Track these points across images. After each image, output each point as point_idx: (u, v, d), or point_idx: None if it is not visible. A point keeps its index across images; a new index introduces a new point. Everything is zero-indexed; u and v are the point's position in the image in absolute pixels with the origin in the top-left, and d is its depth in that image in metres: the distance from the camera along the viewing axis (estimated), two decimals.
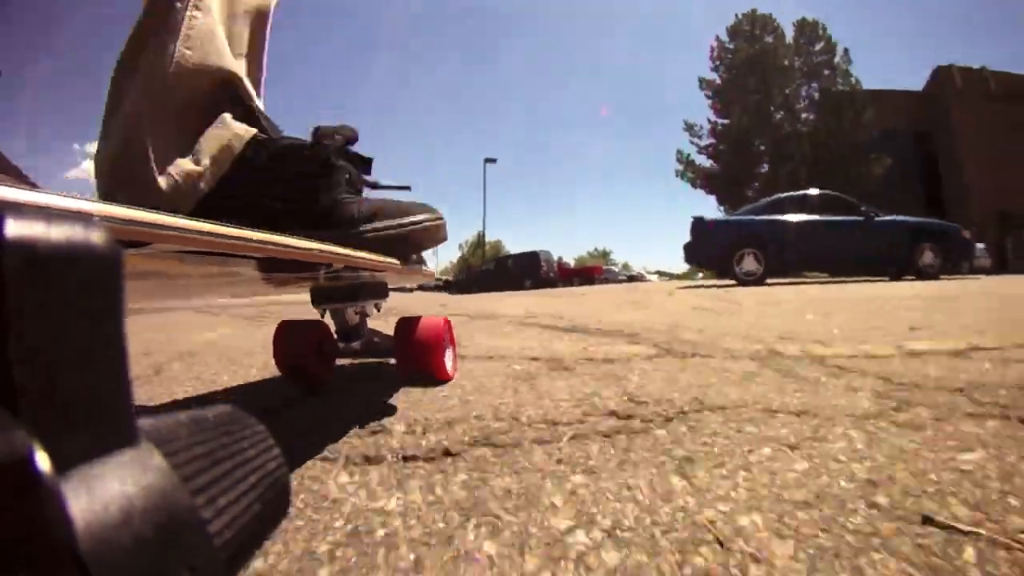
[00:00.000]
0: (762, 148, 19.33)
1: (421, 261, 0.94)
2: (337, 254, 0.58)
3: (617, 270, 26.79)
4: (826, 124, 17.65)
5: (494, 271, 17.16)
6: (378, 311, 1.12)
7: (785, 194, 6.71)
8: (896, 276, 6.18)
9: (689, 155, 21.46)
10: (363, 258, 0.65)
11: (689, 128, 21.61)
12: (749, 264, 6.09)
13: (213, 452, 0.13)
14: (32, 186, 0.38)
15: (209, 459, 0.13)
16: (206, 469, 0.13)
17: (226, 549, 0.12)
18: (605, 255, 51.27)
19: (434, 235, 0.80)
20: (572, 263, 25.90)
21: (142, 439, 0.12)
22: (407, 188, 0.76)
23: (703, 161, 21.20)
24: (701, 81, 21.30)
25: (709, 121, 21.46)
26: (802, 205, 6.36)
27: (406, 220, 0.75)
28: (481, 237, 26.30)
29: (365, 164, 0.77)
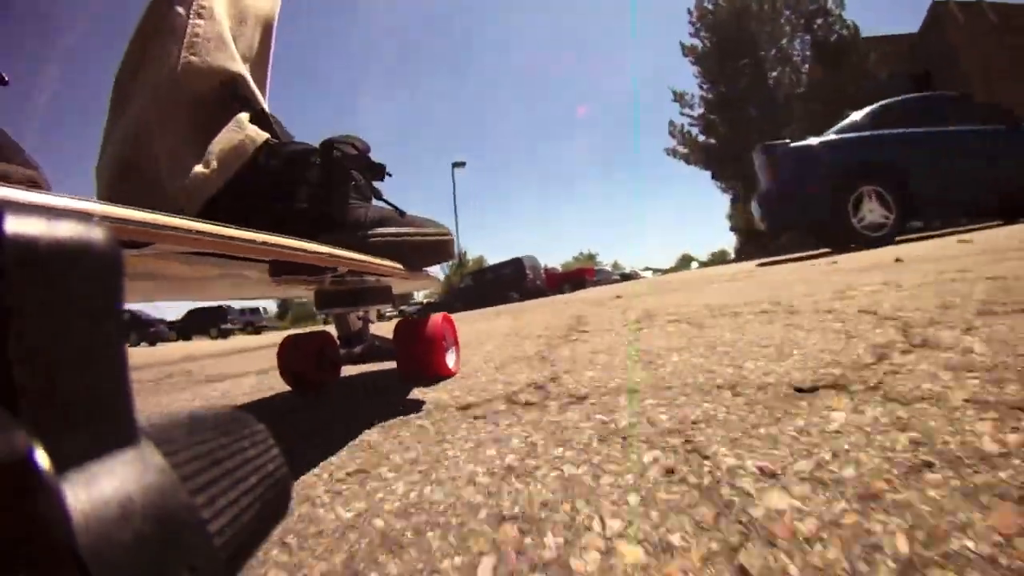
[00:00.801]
0: (757, 114, 17.57)
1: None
2: (342, 257, 0.58)
3: (610, 270, 25.67)
4: (822, 79, 16.02)
5: (474, 286, 14.93)
6: (382, 315, 1.12)
7: (896, 99, 4.16)
8: (1015, 215, 4.03)
9: (683, 126, 19.20)
10: (367, 262, 0.65)
11: (679, 98, 19.32)
12: (872, 211, 3.59)
13: (213, 452, 0.13)
14: (36, 171, 0.39)
15: (209, 459, 0.13)
16: (206, 469, 0.13)
17: (226, 549, 0.12)
18: (591, 258, 50.79)
19: (440, 249, 0.80)
20: (559, 268, 23.39)
21: (142, 439, 0.12)
22: (401, 212, 0.76)
23: (696, 133, 19.10)
24: (683, 47, 19.07)
25: (700, 87, 19.21)
26: (924, 115, 3.91)
27: (411, 230, 0.75)
28: (461, 254, 25.57)
29: (376, 173, 0.77)
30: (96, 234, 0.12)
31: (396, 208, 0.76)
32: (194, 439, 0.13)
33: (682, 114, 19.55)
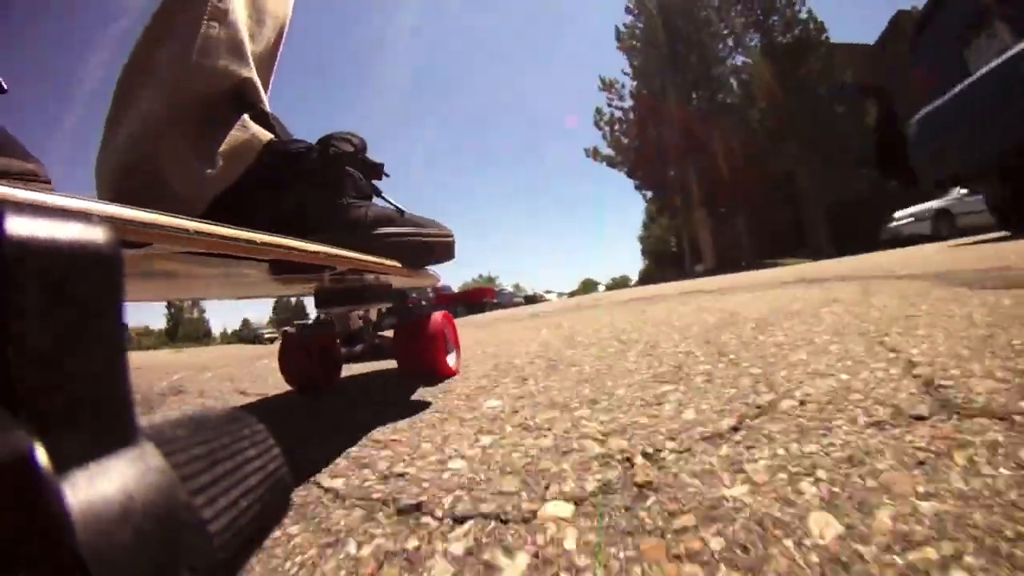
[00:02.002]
0: (698, 111, 14.64)
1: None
2: (341, 257, 0.58)
3: (511, 291, 23.07)
4: (776, 80, 13.75)
5: None
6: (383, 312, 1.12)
7: None
8: None
9: (611, 115, 15.60)
10: (367, 260, 0.65)
11: (608, 86, 15.94)
12: None
13: (213, 452, 0.13)
14: (38, 164, 0.39)
15: (209, 459, 0.13)
16: (206, 469, 0.13)
17: (226, 549, 0.12)
18: (491, 280, 49.61)
19: (441, 250, 0.80)
20: (452, 288, 18.31)
21: (142, 439, 0.12)
22: (401, 211, 0.76)
23: (626, 127, 15.88)
24: (618, 33, 15.96)
25: (633, 79, 15.30)
26: None
27: (412, 230, 0.75)
28: None
29: (374, 171, 0.77)
30: (96, 234, 0.12)
31: (396, 207, 0.76)
32: (194, 439, 0.13)
33: (611, 106, 16.33)
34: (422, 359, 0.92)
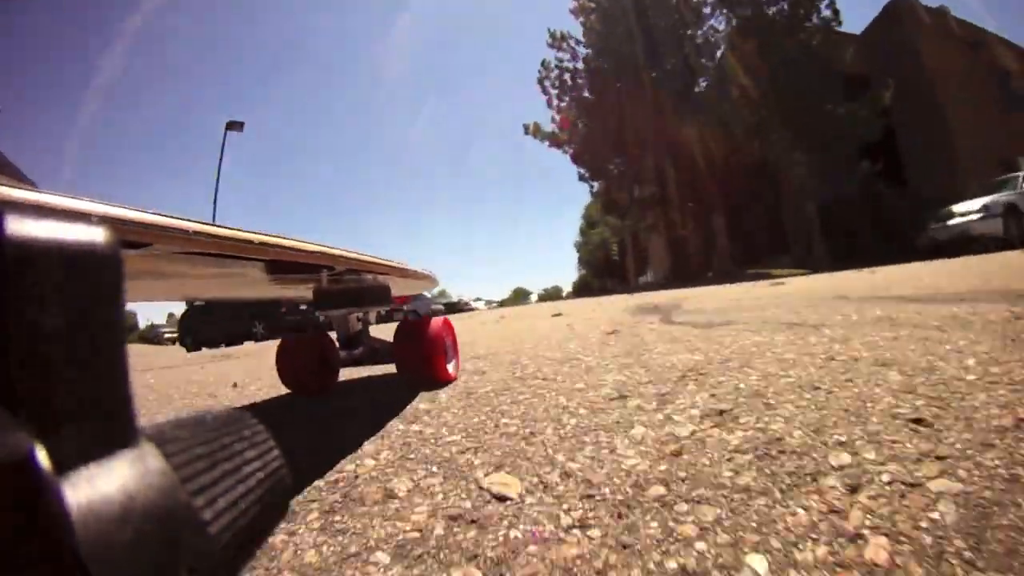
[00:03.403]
0: (662, 87, 11.19)
1: None
2: (336, 257, 0.58)
3: (429, 296, 21.85)
4: (763, 54, 10.83)
5: (203, 309, 9.07)
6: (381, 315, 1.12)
7: None
8: None
9: (560, 74, 12.17)
10: (365, 261, 0.65)
11: (558, 42, 12.31)
12: None
13: (213, 452, 0.13)
14: (32, 186, 0.39)
15: (209, 459, 0.13)
16: (206, 469, 0.13)
17: (226, 549, 0.12)
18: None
19: None
20: None
21: (142, 439, 0.12)
22: None
23: (573, 104, 12.44)
24: None
25: (584, 46, 11.96)
26: None
27: None
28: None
29: None
30: (96, 235, 0.12)
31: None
32: (194, 440, 0.13)
33: (559, 66, 12.54)
34: (421, 365, 0.92)
